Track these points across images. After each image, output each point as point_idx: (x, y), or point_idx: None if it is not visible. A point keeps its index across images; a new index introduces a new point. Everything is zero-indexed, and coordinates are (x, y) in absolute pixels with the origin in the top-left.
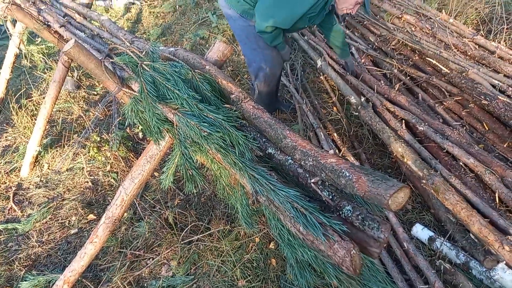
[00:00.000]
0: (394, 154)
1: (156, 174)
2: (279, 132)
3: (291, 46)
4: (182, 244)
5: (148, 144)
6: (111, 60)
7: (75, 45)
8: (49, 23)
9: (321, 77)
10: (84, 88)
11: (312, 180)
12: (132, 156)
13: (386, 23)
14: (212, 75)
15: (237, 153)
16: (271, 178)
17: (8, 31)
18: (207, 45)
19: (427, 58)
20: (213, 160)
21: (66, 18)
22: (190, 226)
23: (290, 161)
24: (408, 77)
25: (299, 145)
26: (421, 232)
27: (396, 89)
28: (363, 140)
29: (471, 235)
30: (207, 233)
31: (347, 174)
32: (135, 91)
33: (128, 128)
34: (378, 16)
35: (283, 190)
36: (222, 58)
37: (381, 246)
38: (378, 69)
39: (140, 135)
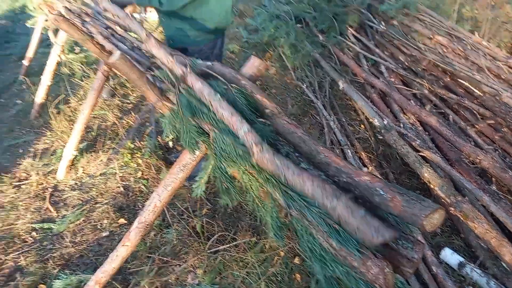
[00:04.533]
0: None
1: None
2: (312, 148)
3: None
4: (208, 253)
5: (177, 153)
6: (152, 73)
7: (121, 56)
8: (92, 34)
9: None
10: (118, 97)
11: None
12: (162, 164)
13: (417, 43)
14: (248, 90)
15: None
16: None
17: (51, 40)
18: (236, 59)
19: (459, 80)
20: (244, 172)
21: (108, 30)
22: (217, 235)
23: (323, 176)
24: (439, 98)
25: (333, 162)
26: (450, 256)
27: (427, 109)
28: (391, 159)
29: (503, 263)
30: (234, 243)
31: (382, 193)
32: (173, 103)
33: (159, 137)
34: (409, 36)
35: (316, 206)
36: (257, 73)
37: (414, 266)
38: (408, 88)
39: (170, 144)
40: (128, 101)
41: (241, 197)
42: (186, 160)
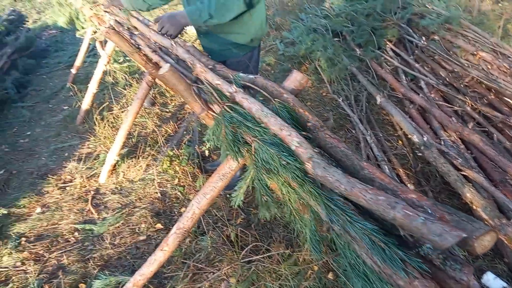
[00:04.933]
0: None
1: None
2: (355, 163)
3: None
4: (242, 262)
5: (213, 161)
6: (198, 85)
7: (170, 69)
8: (140, 47)
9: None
10: (158, 105)
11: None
12: (198, 172)
13: (460, 59)
14: (290, 103)
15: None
16: (347, 209)
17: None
18: (272, 71)
19: (504, 98)
20: (283, 184)
21: (155, 43)
22: (251, 245)
23: None
24: (482, 116)
25: (377, 178)
26: (493, 281)
27: (470, 127)
28: (430, 177)
29: None
30: (267, 254)
31: (429, 212)
32: (217, 113)
33: (196, 145)
34: (450, 52)
35: (360, 223)
36: (299, 87)
37: None
38: (449, 105)
39: (206, 153)
40: (167, 110)
41: (279, 210)
42: (226, 169)
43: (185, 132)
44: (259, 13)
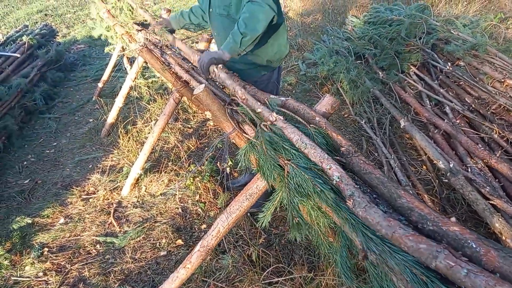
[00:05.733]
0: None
1: None
2: (392, 191)
3: None
4: (263, 284)
5: (233, 179)
6: (231, 107)
7: (205, 89)
8: (170, 65)
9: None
10: (181, 121)
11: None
12: (220, 189)
13: (487, 86)
14: (322, 127)
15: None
16: (386, 239)
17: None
18: (293, 91)
19: None
20: (312, 208)
21: (187, 63)
22: (272, 267)
23: (404, 222)
24: (510, 144)
25: (416, 207)
26: None
27: (498, 155)
28: (456, 205)
29: None
30: (289, 277)
31: (474, 246)
32: (247, 134)
33: (218, 162)
34: (477, 78)
35: (400, 254)
36: (330, 111)
37: None
38: (476, 132)
39: (228, 170)
40: (189, 126)
41: (309, 232)
42: (253, 189)
43: (207, 149)
44: (277, 37)
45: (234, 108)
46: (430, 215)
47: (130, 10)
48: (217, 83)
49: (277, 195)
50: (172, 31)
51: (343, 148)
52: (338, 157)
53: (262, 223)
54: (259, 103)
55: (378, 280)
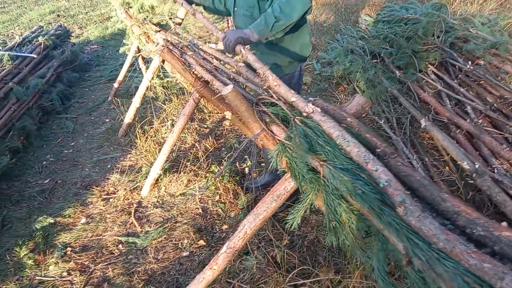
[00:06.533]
0: None
1: None
2: (435, 194)
3: None
4: (289, 286)
5: (253, 179)
6: (258, 108)
7: (233, 90)
8: (191, 65)
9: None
10: (197, 121)
11: (482, 251)
12: (240, 189)
13: (509, 85)
14: (355, 128)
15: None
16: (433, 245)
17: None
18: (309, 90)
19: None
20: (346, 210)
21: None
22: (298, 269)
23: (450, 226)
24: None
25: (462, 211)
26: None
27: None
28: (482, 206)
29: None
30: (316, 279)
31: None
32: (276, 134)
33: (237, 163)
34: (498, 77)
35: (450, 261)
36: (361, 111)
37: None
38: (499, 132)
39: (246, 170)
40: (205, 126)
41: (313, 229)
42: (280, 191)
43: (223, 149)
44: (299, 37)
45: (262, 108)
46: (479, 219)
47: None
48: (240, 82)
49: (307, 197)
50: (190, 3)
51: (379, 150)
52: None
53: (291, 225)
54: (292, 93)
55: (421, 286)
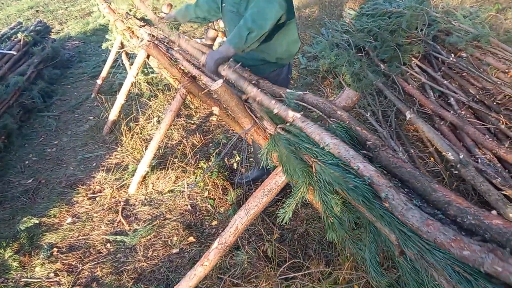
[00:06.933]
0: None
1: None
2: (426, 185)
3: None
4: (280, 279)
5: (241, 174)
6: (248, 104)
7: (223, 85)
8: (178, 61)
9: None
10: (183, 117)
11: (473, 239)
12: (228, 185)
13: (491, 77)
14: (345, 121)
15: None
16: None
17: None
18: (295, 85)
19: None
20: (336, 203)
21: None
22: (289, 262)
23: (441, 215)
24: None
25: (453, 201)
26: None
27: (506, 145)
28: (467, 196)
29: None
30: (306, 272)
31: None
32: (268, 129)
33: (226, 158)
34: (481, 69)
35: (441, 251)
36: (350, 104)
37: None
38: (482, 122)
39: (235, 166)
40: (192, 122)
41: (303, 223)
42: (271, 185)
43: (211, 145)
44: (286, 34)
45: (251, 105)
46: (469, 208)
47: None
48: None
49: (298, 191)
50: (177, 26)
51: (369, 142)
52: (364, 151)
53: (283, 219)
54: (273, 102)
55: (413, 275)
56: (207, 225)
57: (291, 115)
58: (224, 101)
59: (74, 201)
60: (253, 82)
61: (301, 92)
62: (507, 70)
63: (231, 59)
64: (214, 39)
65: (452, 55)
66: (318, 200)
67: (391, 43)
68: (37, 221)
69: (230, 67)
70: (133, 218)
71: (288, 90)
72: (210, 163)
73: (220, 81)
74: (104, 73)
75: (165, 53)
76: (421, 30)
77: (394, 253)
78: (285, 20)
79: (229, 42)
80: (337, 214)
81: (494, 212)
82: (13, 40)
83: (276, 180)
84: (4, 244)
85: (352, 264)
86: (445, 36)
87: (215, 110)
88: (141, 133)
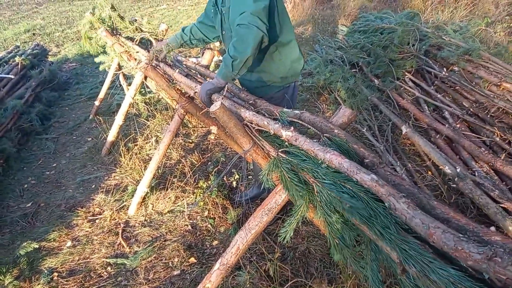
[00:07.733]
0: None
1: None
2: (425, 202)
3: None
4: None
5: (240, 193)
6: (246, 123)
7: (221, 106)
8: (175, 82)
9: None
10: (181, 136)
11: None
12: (228, 204)
13: (483, 90)
14: (342, 139)
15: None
16: (426, 253)
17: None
18: None
19: None
20: (336, 220)
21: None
22: (292, 281)
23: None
24: None
25: (452, 218)
26: None
27: (502, 158)
28: (466, 209)
29: None
30: None
31: None
32: (267, 149)
33: (225, 176)
34: (473, 83)
35: (444, 269)
36: (347, 122)
37: None
38: (477, 135)
39: (234, 184)
40: (190, 141)
41: (304, 240)
42: (271, 204)
43: (210, 163)
44: (288, 53)
45: (251, 125)
46: (468, 225)
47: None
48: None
49: (299, 209)
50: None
51: (367, 160)
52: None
53: (284, 238)
54: (267, 123)
55: None
56: (208, 245)
57: (284, 135)
58: (223, 122)
59: (74, 224)
60: (250, 102)
61: (298, 112)
62: (499, 83)
63: (227, 86)
64: (210, 60)
65: (445, 69)
66: (320, 219)
67: (384, 59)
68: (36, 246)
69: (223, 97)
70: (134, 240)
71: (284, 109)
72: (209, 182)
73: (219, 102)
74: (101, 95)
75: (163, 75)
76: (413, 45)
77: (396, 271)
78: (283, 40)
79: (218, 74)
80: (339, 233)
81: (492, 228)
82: (11, 64)
83: (276, 199)
84: (4, 270)
85: (354, 282)
86: (437, 51)
87: (213, 129)
88: (139, 153)
